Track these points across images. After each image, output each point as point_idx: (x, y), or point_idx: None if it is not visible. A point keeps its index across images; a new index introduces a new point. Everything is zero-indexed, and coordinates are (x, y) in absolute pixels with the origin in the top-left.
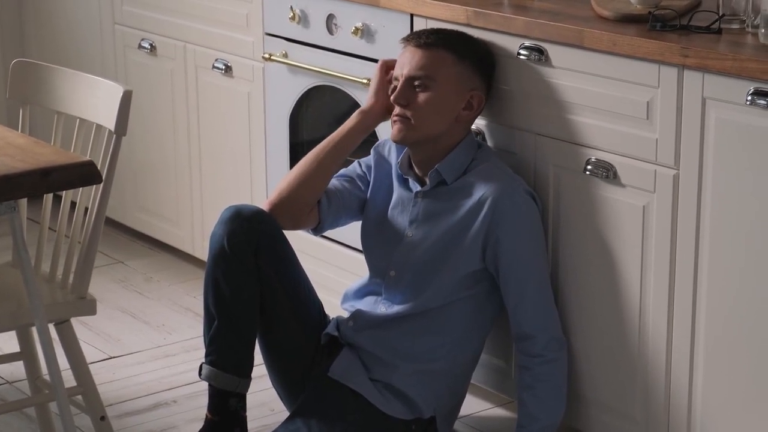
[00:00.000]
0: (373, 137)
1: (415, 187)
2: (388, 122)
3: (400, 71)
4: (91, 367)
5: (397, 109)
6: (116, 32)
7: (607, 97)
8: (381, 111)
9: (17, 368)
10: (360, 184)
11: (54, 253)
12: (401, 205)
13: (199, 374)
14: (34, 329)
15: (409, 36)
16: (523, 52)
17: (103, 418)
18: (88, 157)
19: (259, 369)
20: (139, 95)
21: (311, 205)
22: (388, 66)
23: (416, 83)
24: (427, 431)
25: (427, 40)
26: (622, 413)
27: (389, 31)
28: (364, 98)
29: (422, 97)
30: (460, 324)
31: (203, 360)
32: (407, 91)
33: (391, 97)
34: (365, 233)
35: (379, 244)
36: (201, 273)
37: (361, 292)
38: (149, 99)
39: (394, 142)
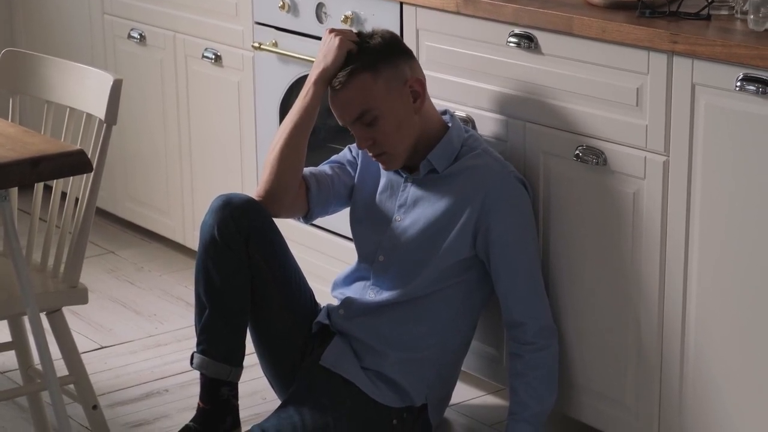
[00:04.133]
0: None
1: (405, 172)
2: None
3: (342, 122)
4: (83, 357)
5: (369, 152)
6: (105, 22)
7: (596, 83)
8: (331, 75)
9: (9, 358)
10: (350, 170)
11: (45, 243)
12: (390, 189)
13: (191, 363)
14: (25, 319)
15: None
16: (512, 39)
17: (95, 407)
18: (78, 147)
19: (251, 358)
20: (129, 85)
21: (296, 185)
22: (336, 30)
23: (363, 121)
24: (418, 419)
25: (336, 82)
26: (613, 400)
27: (379, 20)
28: None
29: (377, 128)
30: (449, 311)
31: (195, 349)
32: (363, 133)
33: (357, 146)
34: (354, 217)
35: (368, 228)
36: (192, 263)
37: (350, 279)
38: (139, 89)
39: (388, 171)
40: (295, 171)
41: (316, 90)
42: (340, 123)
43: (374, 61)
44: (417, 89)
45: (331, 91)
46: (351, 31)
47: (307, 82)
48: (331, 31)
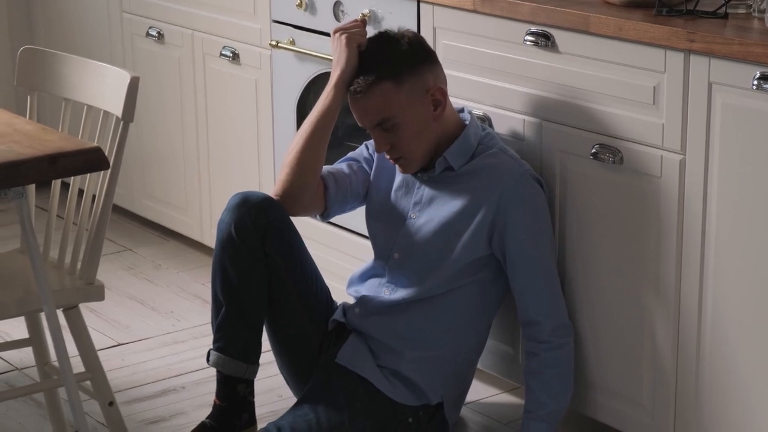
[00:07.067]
0: None
1: (420, 170)
2: None
3: (362, 125)
4: (100, 354)
5: (387, 155)
6: (124, 20)
7: (613, 82)
8: (350, 75)
9: (26, 354)
10: (366, 168)
11: (62, 240)
12: (405, 186)
13: (207, 360)
14: (42, 315)
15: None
16: (529, 38)
17: (111, 403)
18: (95, 144)
19: (267, 355)
20: (147, 83)
21: (314, 186)
22: (340, 29)
23: (383, 127)
24: (434, 417)
25: (358, 89)
26: (629, 399)
27: (396, 18)
28: None
29: (397, 135)
30: (464, 309)
31: (211, 346)
32: (382, 138)
33: (375, 150)
34: (369, 215)
35: (383, 225)
36: (209, 260)
37: (366, 276)
38: (157, 87)
39: (405, 174)
40: (314, 172)
41: (336, 93)
42: (359, 125)
43: (398, 70)
44: (438, 98)
45: (353, 95)
46: (357, 22)
47: (327, 84)
48: (336, 31)
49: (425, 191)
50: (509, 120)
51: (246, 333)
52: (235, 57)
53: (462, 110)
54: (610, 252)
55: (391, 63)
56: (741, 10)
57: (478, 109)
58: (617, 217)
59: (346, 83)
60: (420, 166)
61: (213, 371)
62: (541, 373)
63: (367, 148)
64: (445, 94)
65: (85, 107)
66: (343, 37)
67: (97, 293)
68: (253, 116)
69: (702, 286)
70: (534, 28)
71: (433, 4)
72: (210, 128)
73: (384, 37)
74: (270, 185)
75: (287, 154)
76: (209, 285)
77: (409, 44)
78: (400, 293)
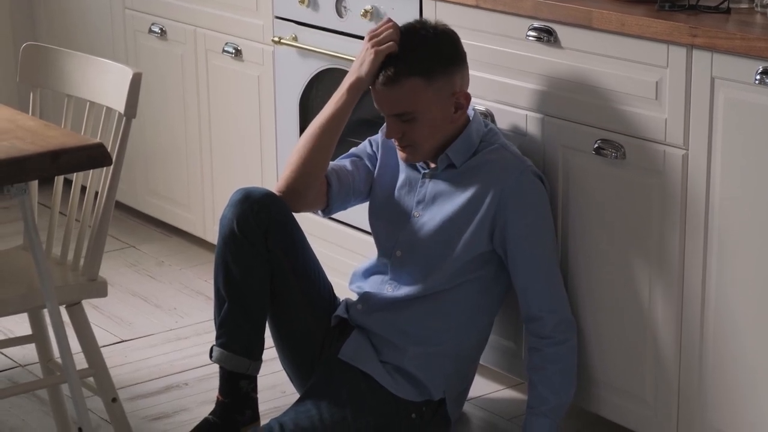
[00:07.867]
0: (379, 119)
1: (423, 167)
2: None
3: (380, 110)
4: (103, 350)
5: (396, 141)
6: (126, 17)
7: (615, 77)
8: (366, 84)
9: (29, 351)
10: (369, 165)
11: (65, 237)
12: (408, 185)
13: (210, 357)
14: (45, 312)
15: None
16: (532, 33)
17: (114, 400)
18: (98, 140)
19: (271, 351)
20: (150, 79)
21: (318, 184)
22: (374, 37)
23: (401, 118)
24: (437, 413)
25: (388, 78)
26: (632, 395)
27: (398, 14)
28: None
29: (412, 127)
30: (467, 306)
31: (214, 343)
32: (396, 126)
33: (385, 135)
34: (372, 213)
35: (386, 223)
36: (212, 257)
37: (368, 272)
38: (160, 83)
39: (407, 162)
40: (319, 172)
41: (349, 98)
42: (375, 106)
43: (432, 68)
44: (462, 102)
45: (381, 84)
46: (391, 29)
47: (341, 86)
48: (371, 38)
49: (428, 189)
50: (512, 115)
51: (249, 329)
52: (237, 53)
53: None
54: (612, 247)
55: (426, 59)
56: (743, 5)
57: (481, 105)
58: (620, 212)
59: (360, 91)
60: (424, 159)
61: (216, 367)
62: (543, 368)
63: (371, 145)
64: (468, 99)
65: (88, 104)
66: (374, 50)
67: (99, 290)
68: (256, 113)
69: (705, 281)
70: (536, 24)
71: None
72: (212, 125)
73: (423, 30)
74: (272, 181)
75: (293, 152)
76: (212, 281)
77: (446, 43)
78: (403, 290)
